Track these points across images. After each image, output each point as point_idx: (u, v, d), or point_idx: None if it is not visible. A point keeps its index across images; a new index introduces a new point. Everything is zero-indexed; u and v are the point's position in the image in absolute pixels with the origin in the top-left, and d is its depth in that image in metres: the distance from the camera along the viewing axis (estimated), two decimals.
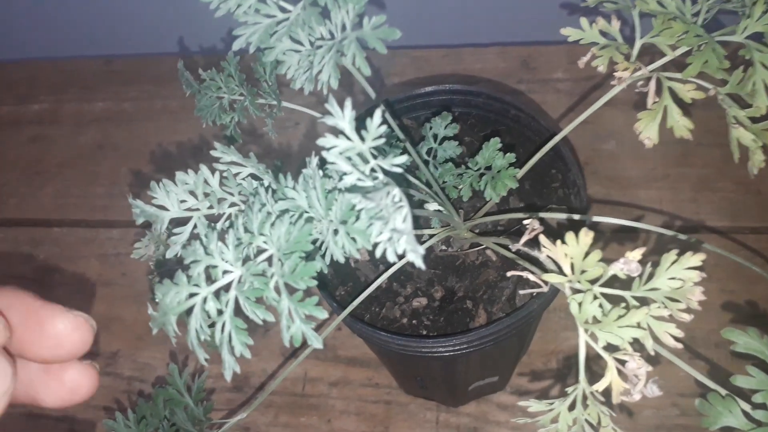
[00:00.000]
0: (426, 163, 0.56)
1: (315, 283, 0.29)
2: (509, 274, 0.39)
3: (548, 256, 0.38)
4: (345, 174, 0.30)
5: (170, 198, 0.35)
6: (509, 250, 0.43)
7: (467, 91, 0.64)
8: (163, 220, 0.35)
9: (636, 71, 0.44)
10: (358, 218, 0.30)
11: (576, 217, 0.44)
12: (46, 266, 1.03)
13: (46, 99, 1.19)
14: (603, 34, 0.44)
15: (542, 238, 0.35)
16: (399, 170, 0.30)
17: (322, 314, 0.29)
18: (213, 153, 0.36)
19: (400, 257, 0.27)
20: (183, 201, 0.36)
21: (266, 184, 0.36)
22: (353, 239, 0.30)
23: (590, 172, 0.97)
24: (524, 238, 0.37)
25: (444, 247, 0.60)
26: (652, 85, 0.43)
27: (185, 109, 1.13)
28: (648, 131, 0.43)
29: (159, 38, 1.19)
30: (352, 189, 0.28)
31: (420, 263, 0.26)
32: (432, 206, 0.47)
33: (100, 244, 1.04)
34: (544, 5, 1.09)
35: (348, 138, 0.29)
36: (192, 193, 0.36)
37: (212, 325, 0.29)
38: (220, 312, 0.30)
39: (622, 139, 1.01)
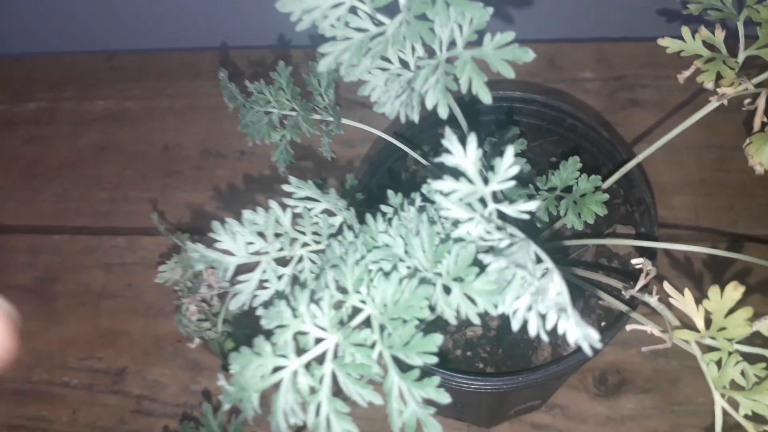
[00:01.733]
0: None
1: (435, 360, 0.24)
2: (629, 328, 0.34)
3: (660, 301, 0.33)
4: (460, 221, 0.25)
5: (237, 241, 0.30)
6: (612, 293, 0.37)
7: (520, 98, 0.59)
8: (228, 266, 0.30)
9: (739, 86, 0.39)
10: (478, 275, 0.25)
11: (726, 254, 0.39)
12: (47, 276, 0.97)
13: (44, 97, 1.12)
14: (707, 45, 0.40)
15: (668, 287, 0.30)
16: (526, 217, 0.25)
17: (445, 399, 0.24)
18: (286, 188, 0.31)
19: (549, 332, 0.22)
20: (250, 243, 0.31)
21: (343, 222, 0.31)
22: (472, 301, 0.25)
23: None
24: (640, 283, 0.33)
25: None
26: (761, 102, 0.38)
27: (193, 108, 1.07)
28: (759, 156, 0.38)
29: (163, 33, 1.12)
30: (474, 243, 0.23)
31: (589, 351, 0.21)
32: None
33: (104, 252, 0.97)
34: (569, 1, 1.04)
35: (470, 181, 0.24)
36: (260, 234, 0.31)
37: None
38: (312, 389, 0.25)
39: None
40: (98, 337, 0.91)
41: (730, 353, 0.29)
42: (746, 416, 0.29)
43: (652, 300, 0.33)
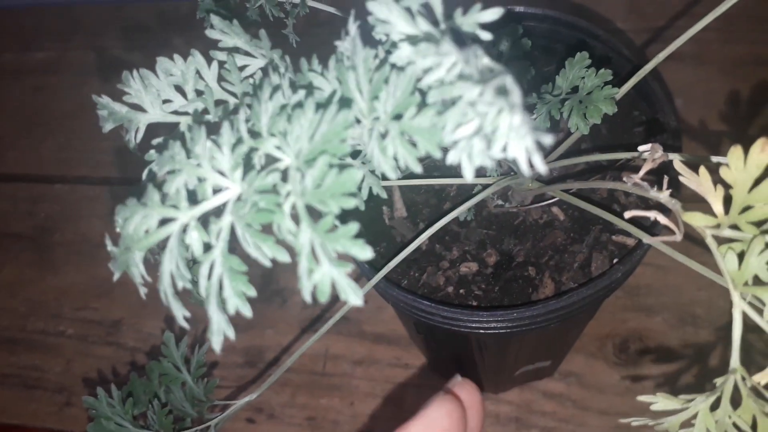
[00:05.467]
0: None
1: (353, 203, 0.18)
2: (628, 215, 0.28)
3: (672, 196, 0.27)
4: (401, 41, 0.19)
5: (149, 94, 0.25)
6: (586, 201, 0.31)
7: (531, 14, 0.53)
8: (138, 124, 0.25)
9: None
10: (421, 109, 0.19)
11: (715, 158, 0.33)
12: (46, 225, 0.94)
13: (52, 47, 1.10)
14: None
15: (678, 164, 0.24)
16: (487, 37, 0.19)
17: (365, 252, 0.18)
18: (209, 33, 0.26)
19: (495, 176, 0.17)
20: (167, 101, 0.26)
21: (269, 64, 0.25)
22: (412, 143, 0.19)
23: None
24: (646, 166, 0.26)
25: (500, 202, 0.49)
26: None
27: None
28: None
29: None
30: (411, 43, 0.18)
31: (539, 164, 0.16)
32: None
33: (103, 202, 0.95)
34: None
35: None
36: (180, 89, 0.26)
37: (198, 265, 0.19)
38: (208, 247, 0.20)
39: (690, 97, 0.89)
40: (94, 288, 0.88)
41: (753, 237, 0.22)
42: None
43: (662, 195, 0.27)
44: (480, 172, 0.49)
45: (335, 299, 0.84)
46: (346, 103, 0.20)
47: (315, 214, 0.19)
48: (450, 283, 0.47)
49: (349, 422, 0.75)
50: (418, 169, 0.20)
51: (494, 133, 0.16)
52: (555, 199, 0.46)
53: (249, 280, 0.19)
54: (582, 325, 0.57)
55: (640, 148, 0.29)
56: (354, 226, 0.18)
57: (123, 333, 0.85)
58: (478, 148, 0.17)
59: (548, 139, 0.16)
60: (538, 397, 0.73)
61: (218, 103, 0.26)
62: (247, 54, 0.26)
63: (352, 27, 0.21)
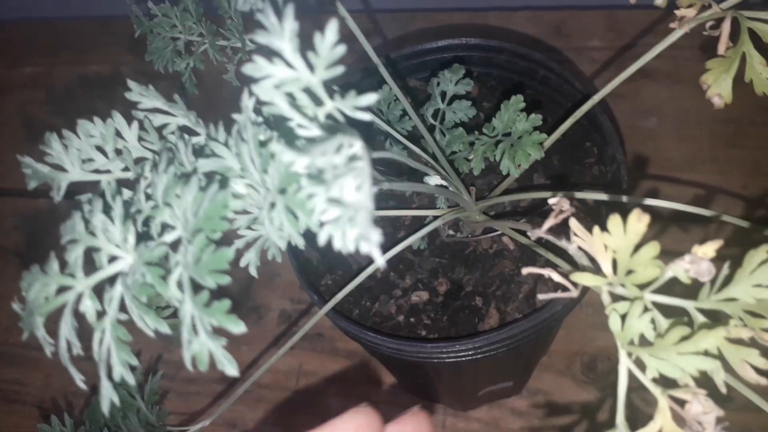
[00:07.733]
0: (432, 128, 0.45)
1: (227, 279, 0.19)
2: (525, 271, 0.29)
3: (580, 248, 0.28)
4: (287, 121, 0.21)
5: (69, 154, 0.26)
6: (528, 237, 0.33)
7: (488, 46, 0.54)
8: (60, 184, 0.27)
9: (704, 9, 0.33)
10: (301, 186, 0.20)
11: (624, 198, 0.34)
12: (30, 240, 0.96)
13: (39, 62, 1.11)
14: None
15: (573, 224, 0.25)
16: (366, 117, 0.20)
17: (237, 327, 0.19)
18: (128, 95, 0.27)
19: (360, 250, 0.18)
20: (88, 160, 0.27)
21: (197, 139, 0.26)
22: (294, 216, 0.20)
23: (627, 152, 0.86)
24: (548, 223, 0.27)
25: (451, 232, 0.51)
26: (726, 26, 0.33)
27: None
28: (719, 86, 0.32)
29: None
30: (287, 138, 0.19)
31: (377, 257, 0.17)
32: (434, 180, 0.38)
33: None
34: None
35: (288, 64, 0.20)
36: (101, 149, 0.27)
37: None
38: (101, 315, 0.21)
39: (665, 116, 0.90)
40: None
41: (633, 300, 0.23)
42: (654, 380, 0.24)
43: (571, 246, 0.28)
44: (430, 203, 0.50)
45: (304, 314, 0.85)
46: (225, 181, 0.21)
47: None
48: (401, 312, 0.48)
49: None
50: (300, 241, 0.21)
51: (352, 225, 0.17)
52: (500, 232, 0.47)
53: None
54: (534, 349, 0.58)
55: (550, 200, 0.30)
56: (226, 303, 0.19)
57: None
58: (338, 234, 0.18)
59: (376, 239, 0.17)
60: (506, 414, 0.74)
61: (138, 160, 0.27)
62: (165, 112, 0.27)
63: (247, 103, 0.22)
